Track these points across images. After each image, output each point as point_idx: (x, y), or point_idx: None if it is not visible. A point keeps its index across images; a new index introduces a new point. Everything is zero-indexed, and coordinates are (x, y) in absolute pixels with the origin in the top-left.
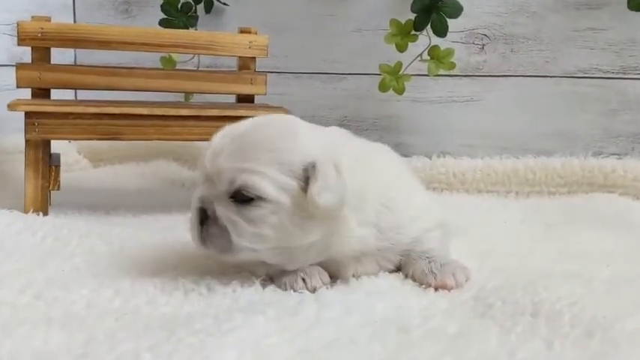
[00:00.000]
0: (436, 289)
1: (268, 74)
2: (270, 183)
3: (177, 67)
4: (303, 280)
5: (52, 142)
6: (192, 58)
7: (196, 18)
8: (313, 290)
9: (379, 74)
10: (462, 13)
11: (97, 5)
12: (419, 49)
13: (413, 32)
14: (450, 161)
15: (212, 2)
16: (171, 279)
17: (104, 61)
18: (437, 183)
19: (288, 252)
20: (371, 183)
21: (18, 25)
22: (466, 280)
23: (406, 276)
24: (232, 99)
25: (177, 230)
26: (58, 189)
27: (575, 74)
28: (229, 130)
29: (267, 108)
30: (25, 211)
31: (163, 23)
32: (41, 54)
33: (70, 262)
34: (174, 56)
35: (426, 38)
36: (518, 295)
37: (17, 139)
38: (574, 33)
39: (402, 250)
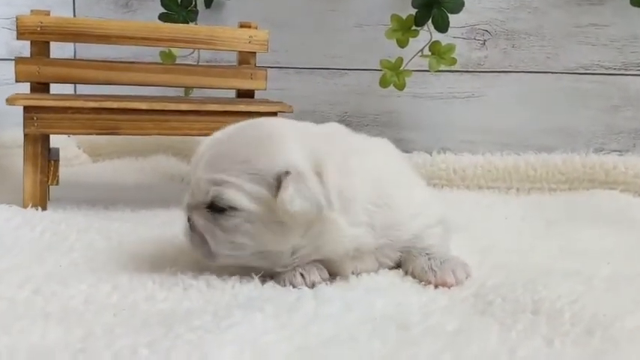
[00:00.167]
0: (436, 286)
1: (268, 69)
2: (242, 193)
3: (176, 62)
4: (302, 275)
5: (51, 136)
6: (192, 52)
7: (196, 12)
8: (312, 286)
9: (380, 70)
10: (464, 8)
11: None
12: (420, 44)
13: (414, 28)
14: (451, 157)
15: None
16: (170, 274)
17: (103, 55)
18: (437, 179)
19: (270, 256)
20: (360, 184)
21: (17, 19)
22: (466, 277)
23: (406, 273)
24: (232, 94)
25: (176, 225)
26: (57, 184)
27: (577, 70)
28: (213, 136)
29: (267, 103)
30: (24, 206)
31: (163, 17)
32: (40, 48)
33: (68, 257)
34: (174, 51)
35: (427, 34)
36: (519, 293)
37: (16, 134)
38: (576, 29)
39: (402, 246)
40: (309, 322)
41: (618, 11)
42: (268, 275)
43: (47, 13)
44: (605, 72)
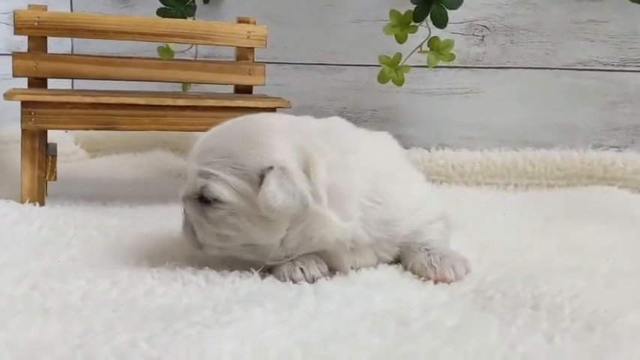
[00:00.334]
0: (436, 282)
1: (267, 65)
2: (227, 187)
3: (174, 57)
4: (302, 270)
5: (49, 132)
6: (190, 48)
7: (194, 7)
8: (312, 280)
9: (378, 65)
10: (462, 4)
11: None
12: (418, 40)
13: (412, 23)
14: (449, 153)
15: None
16: (169, 270)
17: (101, 50)
18: (435, 175)
19: (258, 248)
20: (355, 179)
21: (14, 13)
22: (466, 273)
23: (405, 268)
24: (230, 89)
25: (175, 221)
26: (55, 179)
27: (576, 66)
28: (210, 130)
29: (266, 99)
30: (22, 202)
31: (161, 13)
32: (38, 43)
33: (66, 252)
34: (172, 46)
35: (425, 29)
36: (519, 289)
37: (14, 129)
38: (575, 25)
39: (401, 242)
40: (310, 317)
41: (617, 7)
42: (267, 270)
43: (44, 8)
44: (603, 68)
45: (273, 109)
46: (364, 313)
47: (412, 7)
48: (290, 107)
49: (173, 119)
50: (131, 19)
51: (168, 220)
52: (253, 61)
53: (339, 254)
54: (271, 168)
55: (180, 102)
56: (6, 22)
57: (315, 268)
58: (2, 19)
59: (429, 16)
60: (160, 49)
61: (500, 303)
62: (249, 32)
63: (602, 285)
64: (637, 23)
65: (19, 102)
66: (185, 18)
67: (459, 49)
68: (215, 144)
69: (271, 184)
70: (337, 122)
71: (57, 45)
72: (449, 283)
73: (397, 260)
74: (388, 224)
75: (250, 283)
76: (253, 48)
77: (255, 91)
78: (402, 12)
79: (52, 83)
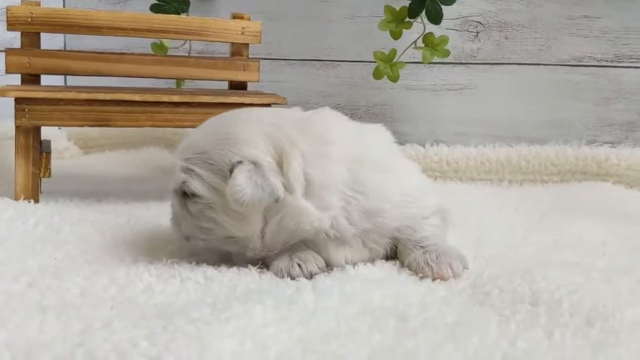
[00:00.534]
0: (433, 279)
1: (261, 61)
2: (201, 182)
3: (168, 53)
4: (299, 266)
5: (43, 128)
6: (184, 44)
7: (188, 3)
8: (310, 276)
9: (373, 61)
10: (457, 0)
11: None
12: (413, 36)
13: (407, 19)
14: (444, 149)
15: None
16: (167, 267)
17: (93, 47)
18: (430, 171)
19: (238, 241)
20: (334, 170)
21: (7, 9)
22: (463, 269)
23: (402, 264)
24: (225, 85)
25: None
26: (49, 176)
27: (570, 62)
28: (197, 127)
29: (260, 95)
30: (16, 199)
31: (154, 9)
32: (31, 39)
33: (62, 249)
34: (166, 42)
35: (420, 25)
36: (516, 284)
37: (7, 126)
38: (569, 21)
39: (390, 234)
40: (309, 314)
41: (611, 3)
42: (265, 266)
43: (37, 4)
44: (597, 64)
45: (268, 105)
46: (363, 309)
47: (407, 3)
48: (285, 103)
49: (168, 115)
50: (124, 14)
51: (163, 216)
52: (247, 57)
53: (327, 245)
54: (239, 162)
55: (175, 98)
56: None
57: (312, 264)
58: None
59: (423, 12)
60: (153, 45)
61: (499, 298)
62: (243, 28)
63: (600, 280)
64: (631, 19)
65: (13, 99)
66: (179, 14)
67: (453, 45)
68: (194, 140)
69: (238, 178)
70: (324, 113)
71: (49, 41)
72: (446, 280)
73: (394, 256)
74: (373, 214)
75: (248, 279)
76: (247, 44)
77: (250, 87)
78: (397, 8)
79: (45, 80)
